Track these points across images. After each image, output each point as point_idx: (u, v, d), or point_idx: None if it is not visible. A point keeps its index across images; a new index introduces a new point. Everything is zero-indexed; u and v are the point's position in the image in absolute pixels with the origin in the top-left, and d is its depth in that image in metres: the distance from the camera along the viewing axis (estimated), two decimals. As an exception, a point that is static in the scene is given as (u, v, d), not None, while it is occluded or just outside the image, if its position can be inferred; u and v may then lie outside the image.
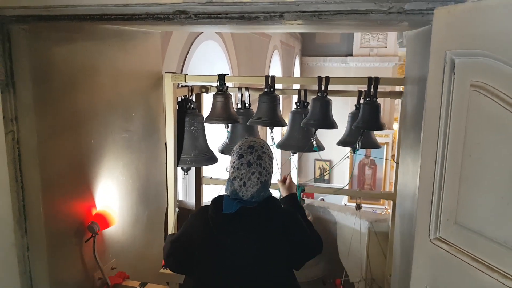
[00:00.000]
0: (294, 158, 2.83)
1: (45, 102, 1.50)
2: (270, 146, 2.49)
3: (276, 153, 2.51)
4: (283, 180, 2.18)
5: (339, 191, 2.64)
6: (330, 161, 10.63)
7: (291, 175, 2.28)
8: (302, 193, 2.63)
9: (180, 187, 3.37)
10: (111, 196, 2.05)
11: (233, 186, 1.61)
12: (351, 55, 10.88)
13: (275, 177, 2.25)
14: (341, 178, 10.21)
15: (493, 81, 0.83)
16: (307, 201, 3.21)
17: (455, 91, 0.91)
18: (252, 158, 1.60)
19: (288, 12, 1.04)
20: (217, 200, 1.66)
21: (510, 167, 0.81)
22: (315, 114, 2.42)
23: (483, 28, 0.85)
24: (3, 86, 1.20)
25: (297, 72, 10.98)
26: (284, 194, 2.10)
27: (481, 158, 0.87)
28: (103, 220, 1.88)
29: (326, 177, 10.50)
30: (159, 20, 1.11)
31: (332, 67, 11.07)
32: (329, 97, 2.44)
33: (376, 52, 10.74)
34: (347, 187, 2.66)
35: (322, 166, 10.64)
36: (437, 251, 0.97)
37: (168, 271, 1.97)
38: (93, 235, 1.85)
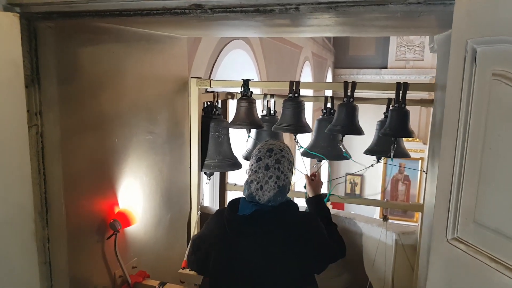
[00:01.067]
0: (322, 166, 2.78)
1: (70, 100, 1.56)
2: (297, 150, 2.46)
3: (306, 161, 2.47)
4: (312, 176, 2.12)
5: (365, 201, 2.56)
6: (361, 176, 10.40)
7: (320, 174, 2.22)
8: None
9: (206, 193, 3.39)
10: (134, 195, 2.08)
11: (250, 189, 1.60)
12: (386, 67, 10.68)
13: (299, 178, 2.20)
14: (373, 193, 9.94)
15: (515, 69, 0.78)
16: (332, 211, 3.13)
17: (476, 82, 0.86)
18: (270, 161, 1.58)
19: (304, 4, 1.02)
20: (234, 202, 1.65)
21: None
22: (340, 120, 2.37)
23: (504, 14, 0.80)
24: (28, 81, 1.25)
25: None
26: (311, 194, 2.05)
27: (501, 151, 0.81)
28: (124, 219, 1.92)
29: (357, 192, 10.26)
30: (176, 15, 1.13)
31: (365, 79, 10.89)
32: (358, 105, 2.40)
33: (412, 65, 10.47)
34: (377, 197, 2.58)
35: (353, 180, 10.42)
36: (454, 252, 0.91)
37: (186, 271, 1.97)
38: (115, 232, 1.88)
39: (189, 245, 1.83)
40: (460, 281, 0.91)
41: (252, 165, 1.63)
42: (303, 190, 2.28)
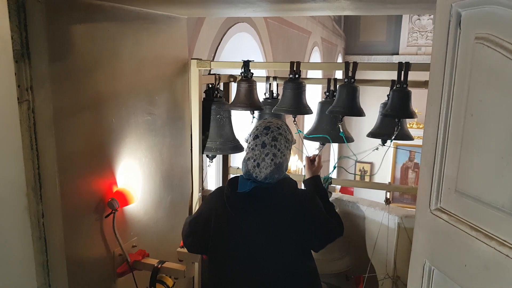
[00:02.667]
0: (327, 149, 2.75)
1: (64, 78, 1.57)
2: (295, 134, 2.45)
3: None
4: (312, 160, 2.11)
5: (367, 184, 2.54)
6: (371, 163, 10.31)
7: (320, 156, 2.20)
8: (329, 186, 2.55)
9: (209, 176, 3.40)
10: (133, 176, 2.09)
11: (247, 166, 1.61)
12: (397, 53, 10.48)
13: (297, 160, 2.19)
14: (382, 180, 9.86)
15: (498, 31, 0.75)
16: (335, 195, 3.12)
17: (460, 47, 0.83)
18: (267, 139, 1.59)
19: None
20: (233, 180, 1.67)
21: (509, 124, 0.73)
22: (341, 101, 2.33)
23: (490, -27, 0.76)
24: (18, 55, 1.26)
25: (338, 72, 10.75)
26: (308, 176, 2.04)
27: (482, 116, 0.79)
28: (123, 198, 1.94)
29: (367, 179, 10.18)
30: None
31: (376, 66, 10.69)
32: (362, 87, 2.36)
33: (424, 51, 10.26)
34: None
35: (363, 168, 10.34)
36: (437, 222, 0.89)
37: (184, 250, 1.98)
38: (113, 211, 1.90)
39: (183, 227, 1.84)
40: (443, 251, 0.90)
41: (249, 143, 1.64)
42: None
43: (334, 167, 2.46)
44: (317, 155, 2.19)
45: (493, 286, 0.81)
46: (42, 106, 1.36)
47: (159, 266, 2.05)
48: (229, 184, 1.66)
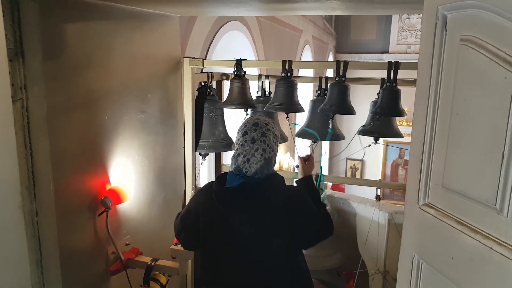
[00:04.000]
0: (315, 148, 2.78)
1: (57, 76, 1.57)
2: (292, 128, 2.47)
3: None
4: (305, 159, 2.14)
5: (357, 181, 2.58)
6: (362, 161, 10.40)
7: (313, 156, 2.23)
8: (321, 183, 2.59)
9: (202, 174, 3.42)
10: (126, 174, 2.10)
11: (237, 162, 1.63)
12: (387, 52, 10.58)
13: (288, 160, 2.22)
14: (373, 177, 9.96)
15: (481, 33, 0.78)
16: (328, 192, 3.15)
17: (446, 49, 0.86)
18: (256, 135, 1.61)
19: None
20: (221, 176, 1.69)
21: (493, 122, 0.77)
22: (332, 100, 2.37)
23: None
24: (12, 54, 1.26)
25: (330, 70, 10.80)
26: (300, 176, 2.07)
27: (467, 115, 0.83)
28: (116, 196, 1.94)
29: (357, 177, 10.28)
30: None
31: (367, 64, 10.77)
32: (355, 86, 2.39)
33: (414, 50, 10.37)
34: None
35: (354, 165, 10.43)
36: (424, 217, 0.93)
37: (178, 247, 2.00)
38: (106, 209, 1.91)
39: (175, 223, 1.85)
40: (431, 244, 0.94)
41: (238, 140, 1.66)
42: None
43: (321, 170, 2.49)
44: (309, 155, 2.23)
45: (478, 277, 0.84)
46: (35, 105, 1.37)
47: (153, 263, 2.06)
48: (217, 180, 1.68)
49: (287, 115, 2.54)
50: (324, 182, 2.67)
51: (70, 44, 1.65)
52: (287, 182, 1.78)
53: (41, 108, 1.39)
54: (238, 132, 1.68)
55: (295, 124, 2.58)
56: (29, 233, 1.41)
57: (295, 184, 2.12)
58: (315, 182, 2.24)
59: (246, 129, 1.64)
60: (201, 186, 3.26)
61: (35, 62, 1.34)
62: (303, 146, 2.93)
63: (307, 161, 2.15)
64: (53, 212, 1.50)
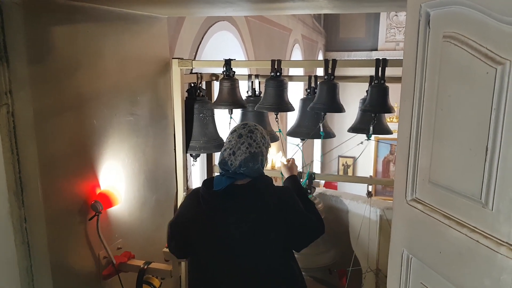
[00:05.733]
0: (302, 145, 2.80)
1: (44, 80, 1.55)
2: (276, 133, 2.52)
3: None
4: (287, 162, 2.20)
5: (347, 178, 2.59)
6: (353, 157, 10.45)
7: (294, 159, 2.29)
8: (313, 181, 2.60)
9: (194, 175, 3.41)
10: (116, 177, 2.09)
11: (223, 155, 1.64)
12: (376, 49, 10.65)
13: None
14: (365, 174, 10.02)
15: (463, 30, 0.80)
16: (320, 190, 3.17)
17: (430, 45, 0.87)
18: (243, 131, 1.64)
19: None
20: (208, 179, 1.69)
21: (476, 117, 0.78)
22: (322, 98, 2.38)
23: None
24: (-4, 58, 1.25)
25: (320, 69, 10.84)
26: (286, 175, 2.10)
27: (451, 110, 0.84)
28: (106, 200, 1.93)
29: (349, 174, 10.33)
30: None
31: (356, 62, 10.82)
32: (340, 83, 2.40)
33: (402, 47, 10.44)
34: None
35: (346, 163, 10.48)
36: (413, 212, 0.94)
37: (170, 250, 1.99)
38: (97, 213, 1.89)
39: (167, 230, 1.85)
40: (420, 239, 0.95)
41: (227, 139, 1.68)
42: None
43: (308, 173, 2.51)
44: (291, 158, 2.29)
45: (466, 270, 0.85)
46: (22, 110, 1.35)
47: (145, 267, 2.05)
48: (204, 184, 1.67)
49: (276, 116, 2.55)
50: (316, 180, 2.69)
51: (57, 47, 1.64)
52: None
53: (27, 113, 1.37)
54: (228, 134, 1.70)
55: (279, 130, 2.60)
56: (18, 239, 1.40)
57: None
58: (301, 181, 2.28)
59: (235, 128, 1.69)
60: (193, 187, 3.26)
61: (21, 66, 1.33)
62: (293, 145, 2.95)
63: (290, 163, 2.20)
64: (42, 218, 1.48)
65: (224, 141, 2.67)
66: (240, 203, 1.59)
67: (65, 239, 1.76)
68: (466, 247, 0.82)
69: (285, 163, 2.24)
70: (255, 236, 1.60)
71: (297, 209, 1.67)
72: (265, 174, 1.71)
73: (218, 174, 1.68)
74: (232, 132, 1.67)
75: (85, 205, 1.87)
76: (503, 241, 0.76)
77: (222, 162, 1.63)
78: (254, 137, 1.63)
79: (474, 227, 0.81)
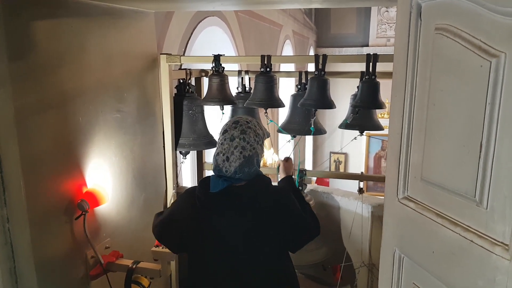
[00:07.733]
0: (294, 142, 2.78)
1: (25, 77, 1.50)
2: (269, 124, 2.48)
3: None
4: (285, 160, 2.16)
5: (339, 174, 2.58)
6: (345, 154, 10.49)
7: (292, 158, 2.26)
8: (304, 178, 2.58)
9: (184, 173, 3.37)
10: (103, 175, 2.04)
11: (216, 161, 1.59)
12: (367, 45, 10.67)
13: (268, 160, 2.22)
14: (356, 170, 10.06)
15: (456, 21, 0.77)
16: (311, 186, 3.15)
17: (421, 38, 0.85)
18: (235, 132, 1.57)
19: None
20: (205, 180, 1.64)
21: (470, 112, 0.76)
22: (312, 94, 2.35)
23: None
24: (-26, 55, 1.19)
25: (311, 64, 10.83)
26: (282, 175, 2.07)
27: (443, 106, 0.81)
28: (93, 198, 1.88)
29: (341, 170, 10.35)
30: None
31: (347, 58, 10.84)
32: (332, 79, 2.38)
33: (393, 42, 10.43)
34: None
35: (338, 159, 10.50)
36: (404, 210, 0.91)
37: (159, 249, 1.96)
38: (83, 212, 1.85)
39: (154, 225, 1.81)
40: (411, 238, 0.93)
41: (219, 139, 1.62)
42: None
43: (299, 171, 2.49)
44: (288, 157, 2.25)
45: (459, 270, 0.83)
46: (2, 107, 1.31)
47: (134, 266, 2.01)
48: (200, 185, 1.63)
49: (266, 111, 2.51)
50: (308, 177, 2.67)
51: (40, 43, 1.58)
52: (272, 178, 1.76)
53: (8, 111, 1.32)
54: (219, 132, 1.65)
55: (271, 121, 2.56)
56: (1, 240, 1.36)
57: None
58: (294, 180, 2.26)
59: (226, 127, 1.61)
60: (183, 185, 3.22)
61: (1, 63, 1.28)
62: (284, 142, 2.93)
63: (287, 161, 2.16)
64: (25, 218, 1.44)
65: (215, 138, 2.69)
66: (237, 205, 1.55)
67: (51, 239, 1.71)
68: (460, 246, 0.80)
69: (284, 161, 2.18)
70: (252, 238, 1.57)
71: (295, 211, 1.65)
72: (263, 173, 1.67)
73: (213, 174, 1.64)
74: (223, 133, 1.60)
75: (71, 204, 1.83)
76: (498, 241, 0.74)
77: (217, 169, 1.58)
78: (247, 139, 1.56)
79: (467, 226, 0.78)
